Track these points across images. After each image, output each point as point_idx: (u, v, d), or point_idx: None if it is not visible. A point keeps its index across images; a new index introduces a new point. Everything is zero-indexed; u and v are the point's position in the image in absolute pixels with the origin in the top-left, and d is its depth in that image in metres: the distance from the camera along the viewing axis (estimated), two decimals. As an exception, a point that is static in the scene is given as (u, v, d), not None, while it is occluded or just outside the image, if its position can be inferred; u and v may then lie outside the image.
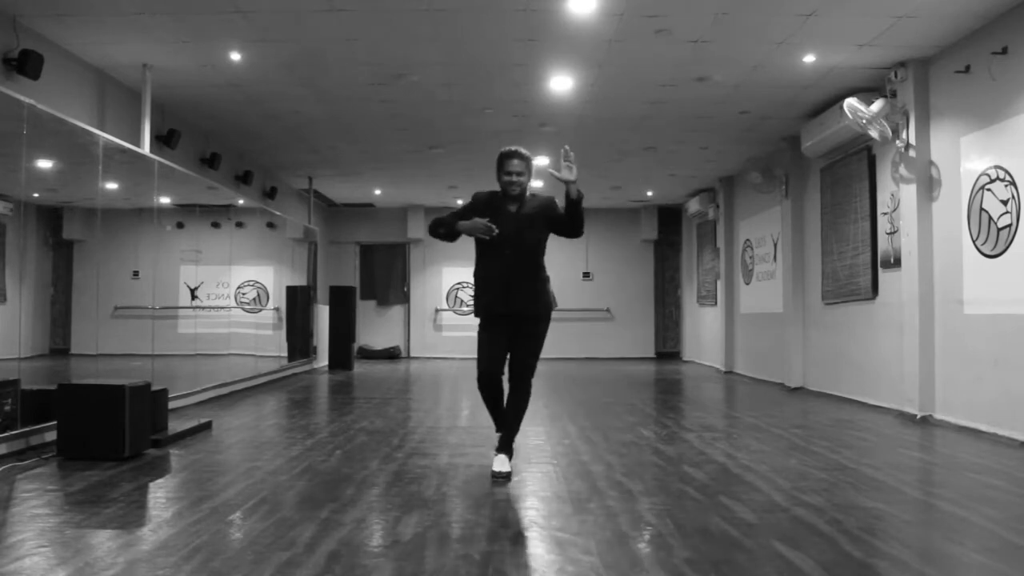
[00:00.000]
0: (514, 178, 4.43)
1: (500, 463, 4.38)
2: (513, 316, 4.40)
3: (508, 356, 4.49)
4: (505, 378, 4.53)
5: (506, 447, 4.46)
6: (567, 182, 4.26)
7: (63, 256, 8.86)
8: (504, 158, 4.47)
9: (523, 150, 4.50)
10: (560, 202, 4.44)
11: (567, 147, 4.35)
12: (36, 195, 8.22)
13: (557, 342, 15.76)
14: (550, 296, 4.54)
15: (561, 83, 7.67)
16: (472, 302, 4.67)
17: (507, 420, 4.52)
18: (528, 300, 4.42)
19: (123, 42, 6.51)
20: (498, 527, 3.35)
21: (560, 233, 4.44)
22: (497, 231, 4.28)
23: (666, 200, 15.09)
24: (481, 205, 4.48)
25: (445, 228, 4.46)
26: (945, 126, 6.70)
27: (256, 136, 9.81)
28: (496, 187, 4.53)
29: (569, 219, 4.36)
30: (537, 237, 4.46)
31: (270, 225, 11.37)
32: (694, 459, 4.91)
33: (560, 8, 5.89)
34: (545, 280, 4.52)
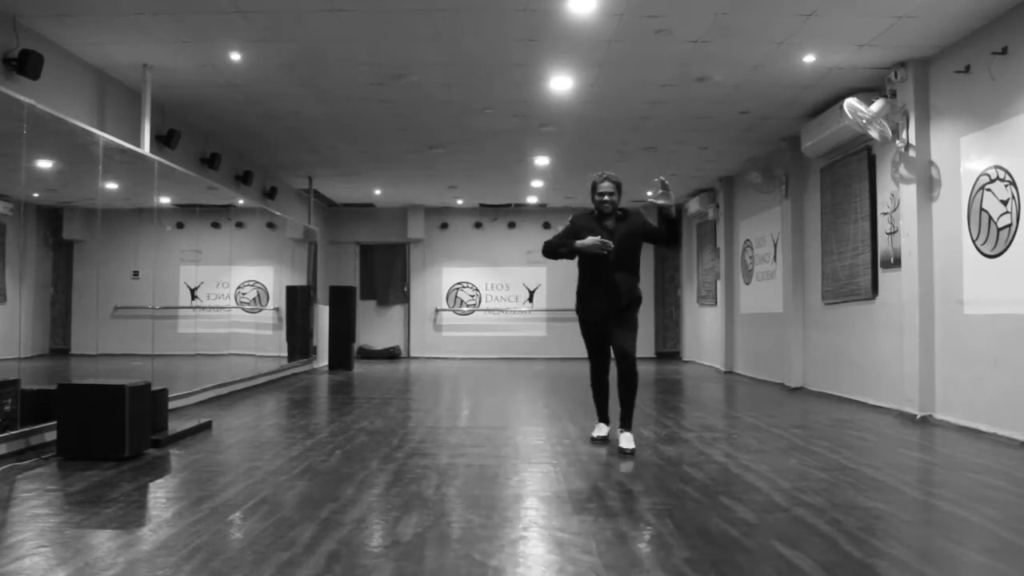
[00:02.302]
0: (606, 198, 5.26)
1: (626, 440, 5.17)
2: (613, 312, 5.29)
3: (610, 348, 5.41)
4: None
5: (627, 425, 5.29)
6: (666, 206, 5.17)
7: (63, 256, 8.87)
8: (596, 182, 5.31)
9: (613, 174, 5.32)
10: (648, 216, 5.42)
11: (663, 178, 5.24)
12: (36, 195, 8.23)
13: (557, 342, 15.87)
14: (640, 292, 5.49)
15: (561, 83, 7.67)
16: (577, 306, 5.52)
17: (623, 399, 5.32)
18: (628, 298, 5.32)
19: (123, 42, 6.51)
20: (498, 527, 3.35)
21: (657, 243, 5.51)
22: (612, 246, 5.08)
23: (666, 200, 15.07)
24: (585, 224, 5.29)
25: (566, 248, 5.21)
26: (945, 126, 6.70)
27: (256, 136, 9.81)
28: (588, 207, 5.46)
29: (669, 234, 5.32)
30: (633, 248, 5.33)
31: (270, 225, 11.37)
32: (694, 459, 4.92)
33: (560, 8, 5.89)
34: (638, 280, 5.46)
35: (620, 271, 5.26)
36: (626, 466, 4.72)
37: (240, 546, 3.05)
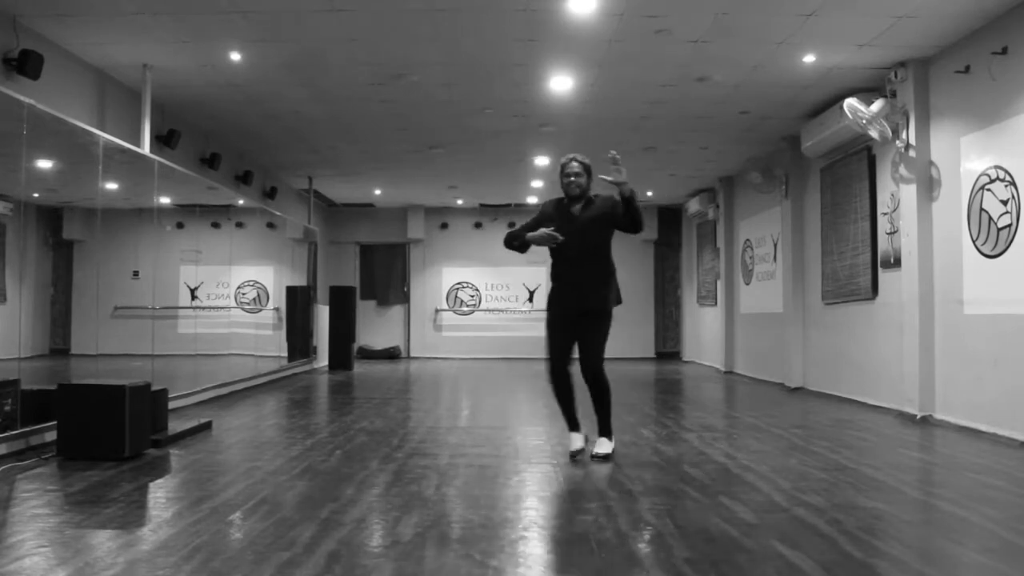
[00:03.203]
0: (572, 179, 4.82)
1: (602, 445, 4.87)
2: (580, 313, 4.79)
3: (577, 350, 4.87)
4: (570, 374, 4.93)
5: (606, 431, 4.93)
6: (618, 183, 4.62)
7: (63, 256, 8.86)
8: (564, 164, 4.89)
9: (581, 156, 4.90)
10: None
11: (614, 152, 4.67)
12: (36, 195, 8.23)
13: (557, 342, 15.85)
14: (615, 292, 4.90)
15: (561, 83, 7.67)
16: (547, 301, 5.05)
17: (598, 413, 4.93)
18: (593, 297, 4.79)
19: (123, 42, 6.51)
20: (498, 527, 3.35)
21: (623, 230, 4.78)
22: (562, 239, 4.66)
23: (666, 200, 15.10)
24: (550, 212, 4.89)
25: (518, 241, 4.83)
26: (945, 126, 6.70)
27: (256, 136, 9.81)
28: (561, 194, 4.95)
29: (628, 217, 4.70)
30: (599, 236, 4.81)
31: (270, 225, 11.37)
32: (694, 459, 4.91)
33: (560, 8, 5.89)
34: (610, 276, 4.87)
35: (586, 262, 4.79)
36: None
37: (240, 546, 3.05)
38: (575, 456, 4.88)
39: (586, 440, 4.99)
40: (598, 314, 4.81)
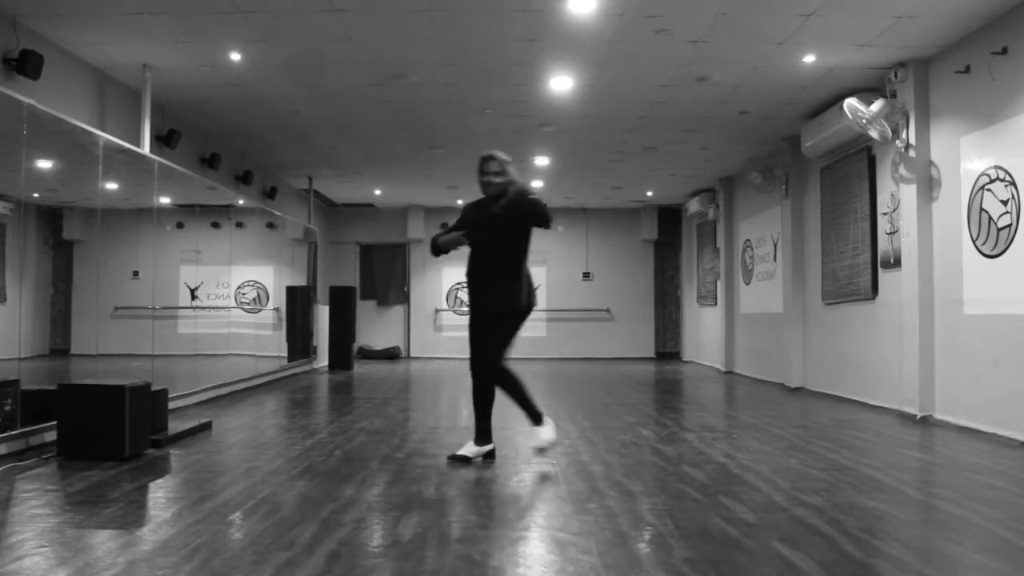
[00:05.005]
0: (488, 178, 4.74)
1: (536, 436, 4.78)
2: (484, 311, 4.76)
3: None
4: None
5: (535, 419, 4.81)
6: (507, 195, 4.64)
7: (63, 256, 8.85)
8: (481, 161, 4.79)
9: (499, 153, 4.79)
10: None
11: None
12: (36, 195, 8.22)
13: (557, 342, 15.88)
14: (520, 293, 4.73)
15: (561, 83, 7.67)
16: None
17: (514, 404, 4.80)
18: (494, 295, 4.71)
19: (123, 42, 6.51)
20: (498, 527, 3.35)
21: (535, 224, 4.71)
22: (466, 240, 4.67)
23: (666, 200, 15.10)
24: (470, 212, 4.84)
25: (433, 247, 4.85)
26: (945, 126, 6.70)
27: (256, 136, 9.81)
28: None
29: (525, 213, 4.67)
30: (504, 232, 4.65)
31: (270, 225, 11.37)
32: (694, 459, 4.91)
33: (560, 8, 5.89)
34: (515, 276, 4.72)
35: (492, 261, 4.70)
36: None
37: (240, 546, 3.05)
38: (462, 460, 4.70)
39: (491, 453, 4.83)
40: (495, 314, 4.72)
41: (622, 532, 3.28)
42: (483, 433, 4.80)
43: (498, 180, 4.70)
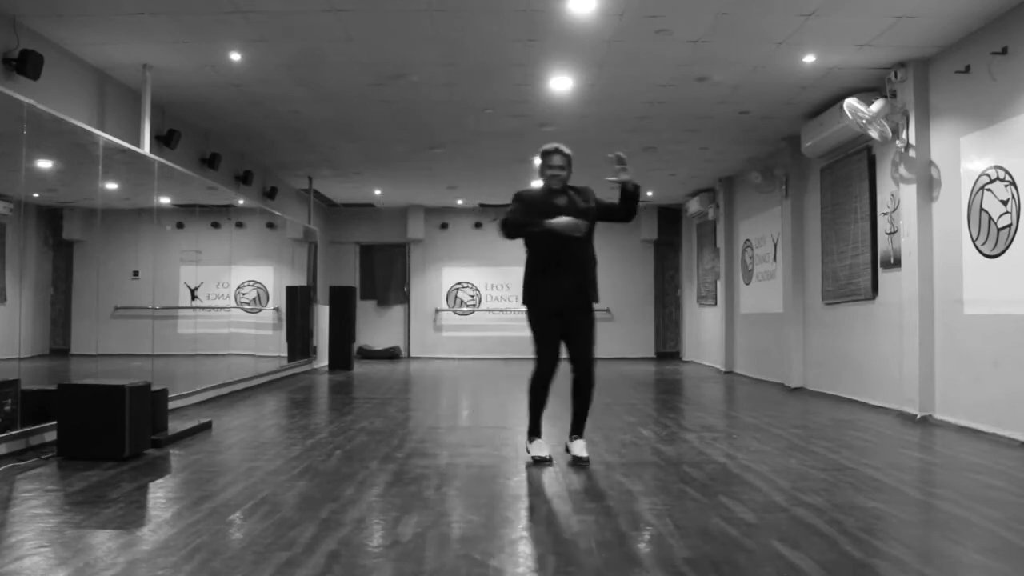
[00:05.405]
0: (556, 172, 4.78)
1: (580, 447, 4.74)
2: (573, 309, 4.70)
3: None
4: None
5: (580, 431, 4.82)
6: (628, 182, 4.75)
7: (63, 256, 8.86)
8: (546, 155, 4.82)
9: (563, 147, 4.83)
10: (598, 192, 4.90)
11: (621, 153, 4.81)
12: (36, 195, 8.22)
13: (557, 342, 15.85)
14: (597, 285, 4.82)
15: (561, 83, 7.67)
16: (528, 295, 4.81)
17: (579, 409, 4.79)
18: (583, 292, 4.71)
19: (123, 42, 6.51)
20: (498, 527, 3.35)
21: (613, 220, 4.83)
22: (588, 227, 4.63)
23: (666, 200, 15.10)
24: (535, 201, 4.77)
25: (536, 227, 4.60)
26: (945, 126, 6.70)
27: (256, 136, 9.81)
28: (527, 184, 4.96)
29: (626, 209, 4.82)
30: (591, 226, 4.73)
31: (270, 225, 11.37)
32: (694, 459, 4.91)
33: (560, 8, 5.89)
34: (595, 270, 4.80)
35: (581, 253, 4.69)
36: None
37: (240, 546, 3.05)
38: (540, 461, 4.69)
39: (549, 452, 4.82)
40: (589, 309, 4.74)
41: (622, 532, 3.28)
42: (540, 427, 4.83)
43: (564, 174, 4.78)
